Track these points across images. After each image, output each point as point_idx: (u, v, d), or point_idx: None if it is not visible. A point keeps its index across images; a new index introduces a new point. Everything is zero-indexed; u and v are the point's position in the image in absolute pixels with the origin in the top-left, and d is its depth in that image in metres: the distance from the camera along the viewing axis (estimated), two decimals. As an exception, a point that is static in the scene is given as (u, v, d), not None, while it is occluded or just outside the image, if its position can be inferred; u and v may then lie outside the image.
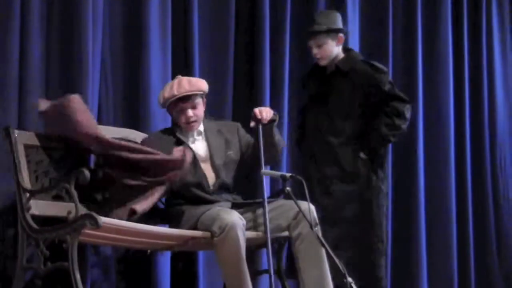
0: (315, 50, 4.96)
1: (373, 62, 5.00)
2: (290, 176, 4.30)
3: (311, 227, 4.16)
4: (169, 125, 4.79)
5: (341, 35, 4.98)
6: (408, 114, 4.90)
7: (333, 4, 5.91)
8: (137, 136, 4.74)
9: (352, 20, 5.99)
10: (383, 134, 4.85)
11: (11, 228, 4.42)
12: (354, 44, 5.97)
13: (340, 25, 5.01)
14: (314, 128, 5.00)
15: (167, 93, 4.51)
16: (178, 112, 4.53)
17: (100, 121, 4.83)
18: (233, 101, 5.46)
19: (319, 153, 4.95)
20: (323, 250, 4.30)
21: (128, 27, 5.07)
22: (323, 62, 5.00)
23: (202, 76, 5.10)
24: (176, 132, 4.54)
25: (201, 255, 5.07)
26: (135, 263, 4.89)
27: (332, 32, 4.93)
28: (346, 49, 5.09)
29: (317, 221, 4.31)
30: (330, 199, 4.87)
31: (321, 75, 5.05)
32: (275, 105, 5.53)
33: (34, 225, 4.11)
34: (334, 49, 4.96)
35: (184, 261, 5.01)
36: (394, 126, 4.85)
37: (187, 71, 5.14)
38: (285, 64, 5.67)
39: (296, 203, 4.27)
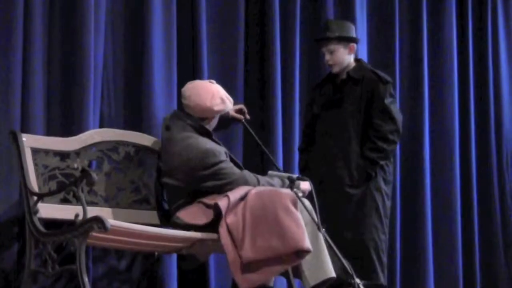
0: (327, 57, 5.06)
1: (379, 72, 5.09)
2: (297, 177, 4.34)
3: (318, 228, 4.21)
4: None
5: (353, 44, 5.06)
6: (393, 137, 4.97)
7: (341, 4, 5.95)
8: (145, 139, 4.74)
9: (360, 20, 6.00)
10: (371, 158, 4.94)
11: (19, 231, 4.42)
12: (362, 43, 5.98)
13: (352, 34, 5.10)
14: (327, 133, 5.07)
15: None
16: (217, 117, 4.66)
17: (102, 125, 4.84)
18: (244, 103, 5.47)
19: (332, 156, 5.00)
20: (322, 241, 4.32)
21: (130, 30, 5.05)
22: (335, 69, 5.09)
23: (212, 77, 5.12)
24: (211, 136, 4.58)
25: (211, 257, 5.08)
26: (141, 265, 4.91)
27: (343, 40, 5.02)
28: (356, 59, 5.18)
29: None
30: (341, 200, 4.91)
31: (333, 83, 5.13)
32: (287, 107, 5.58)
33: (42, 229, 4.11)
34: (345, 57, 5.06)
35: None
36: (378, 149, 4.94)
37: (195, 75, 5.16)
38: (295, 65, 5.68)
39: (302, 204, 4.31)
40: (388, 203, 5.06)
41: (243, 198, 4.29)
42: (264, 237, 4.15)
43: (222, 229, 4.22)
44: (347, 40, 5.04)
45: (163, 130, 4.58)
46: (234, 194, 4.29)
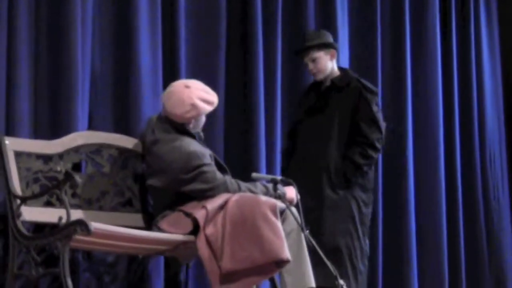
0: (310, 66, 5.14)
1: (365, 82, 5.17)
2: (281, 180, 4.36)
3: (302, 229, 4.22)
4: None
5: (333, 50, 5.16)
6: (379, 145, 5.07)
7: (322, 9, 5.98)
8: (128, 142, 4.74)
9: (341, 25, 6.02)
10: (357, 163, 5.00)
11: (1, 235, 4.40)
12: (344, 48, 6.01)
13: (331, 40, 5.20)
14: (309, 139, 5.13)
15: (215, 100, 4.55)
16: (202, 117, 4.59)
17: (90, 127, 4.83)
18: (225, 103, 5.48)
19: (312, 161, 5.03)
20: (305, 249, 4.35)
21: (117, 32, 5.05)
22: (319, 76, 5.16)
23: (194, 71, 5.17)
24: (195, 138, 4.56)
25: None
26: (127, 269, 4.90)
27: (324, 46, 5.11)
28: (342, 68, 5.26)
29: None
30: (318, 204, 4.94)
31: (317, 90, 5.20)
32: (269, 107, 5.60)
33: (25, 232, 4.10)
34: (328, 63, 5.15)
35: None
36: (367, 156, 5.01)
37: (176, 74, 5.17)
38: (277, 62, 5.71)
39: (287, 206, 4.32)
40: (366, 210, 5.11)
41: (222, 206, 4.27)
42: (244, 247, 4.14)
43: (200, 242, 4.20)
44: (327, 46, 5.13)
45: (148, 132, 4.57)
46: (213, 204, 4.27)
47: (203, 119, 4.60)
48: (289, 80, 5.77)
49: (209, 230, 4.20)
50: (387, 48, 6.37)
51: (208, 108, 4.54)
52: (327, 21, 5.95)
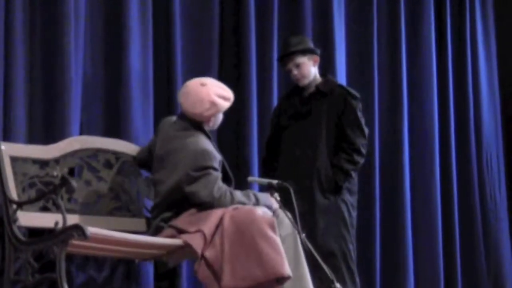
0: (294, 71, 5.11)
1: (348, 88, 5.20)
2: (277, 184, 4.35)
3: (299, 233, 4.21)
4: (149, 135, 4.87)
5: (316, 56, 5.16)
6: (364, 150, 5.10)
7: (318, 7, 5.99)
8: (125, 146, 4.74)
9: (338, 27, 6.02)
10: (345, 169, 5.02)
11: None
12: (341, 50, 6.01)
13: (312, 46, 5.19)
14: (296, 145, 5.13)
15: (232, 97, 4.55)
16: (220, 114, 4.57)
17: (82, 131, 4.84)
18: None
19: (300, 167, 5.06)
20: (302, 253, 4.34)
21: (108, 36, 5.06)
22: (303, 82, 5.15)
23: (186, 75, 5.15)
24: (208, 137, 4.54)
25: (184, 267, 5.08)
26: (121, 274, 4.90)
27: (307, 52, 5.11)
28: (323, 74, 5.26)
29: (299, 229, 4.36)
30: (309, 210, 4.95)
31: (300, 96, 5.20)
32: (262, 107, 5.62)
33: (21, 237, 4.11)
34: (311, 69, 5.14)
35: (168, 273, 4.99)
36: (354, 162, 5.04)
37: (170, 76, 5.19)
38: (272, 59, 5.72)
39: (283, 210, 4.31)
40: (354, 214, 5.12)
41: (217, 225, 4.24)
42: (244, 265, 4.13)
43: (201, 267, 4.18)
44: (311, 52, 5.13)
45: (166, 129, 4.54)
46: (208, 225, 4.24)
47: (220, 116, 4.58)
48: (286, 77, 5.75)
49: (209, 252, 4.19)
50: (383, 53, 6.36)
51: (226, 105, 4.52)
52: (324, 22, 5.97)
